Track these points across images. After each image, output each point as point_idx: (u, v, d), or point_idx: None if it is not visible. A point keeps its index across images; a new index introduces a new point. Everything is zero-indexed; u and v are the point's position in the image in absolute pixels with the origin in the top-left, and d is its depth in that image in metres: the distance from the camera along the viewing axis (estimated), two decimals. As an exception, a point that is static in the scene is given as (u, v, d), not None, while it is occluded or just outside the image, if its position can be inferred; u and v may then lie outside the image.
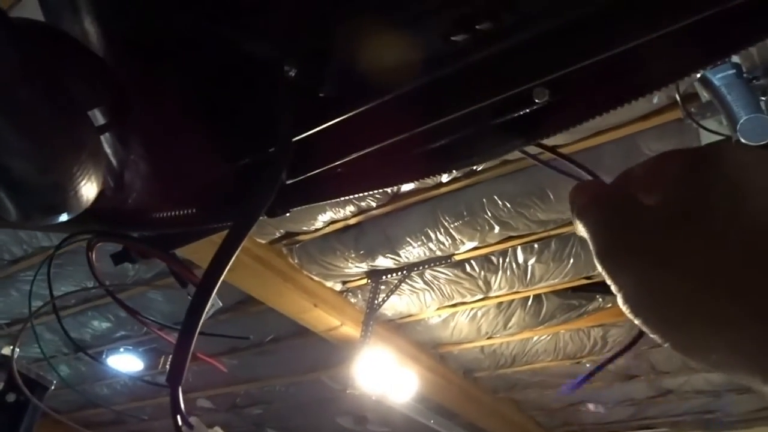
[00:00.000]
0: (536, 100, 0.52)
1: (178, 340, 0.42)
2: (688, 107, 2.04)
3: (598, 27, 0.51)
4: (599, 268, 0.32)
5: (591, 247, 0.33)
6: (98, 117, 0.62)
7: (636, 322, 0.31)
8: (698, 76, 1.76)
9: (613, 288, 0.32)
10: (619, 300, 0.31)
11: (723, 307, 0.27)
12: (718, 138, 2.11)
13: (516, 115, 0.53)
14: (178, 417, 0.41)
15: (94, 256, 0.77)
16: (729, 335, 0.27)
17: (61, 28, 0.65)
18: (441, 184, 2.85)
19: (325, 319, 3.64)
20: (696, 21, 0.46)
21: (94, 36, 0.67)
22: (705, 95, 1.86)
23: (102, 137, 0.59)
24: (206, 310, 0.45)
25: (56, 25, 0.69)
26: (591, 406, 4.86)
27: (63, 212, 0.43)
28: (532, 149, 0.67)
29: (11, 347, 2.16)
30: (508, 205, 2.84)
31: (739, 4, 0.41)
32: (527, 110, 0.53)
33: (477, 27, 0.41)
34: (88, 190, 0.43)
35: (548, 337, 4.15)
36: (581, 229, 0.35)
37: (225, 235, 0.43)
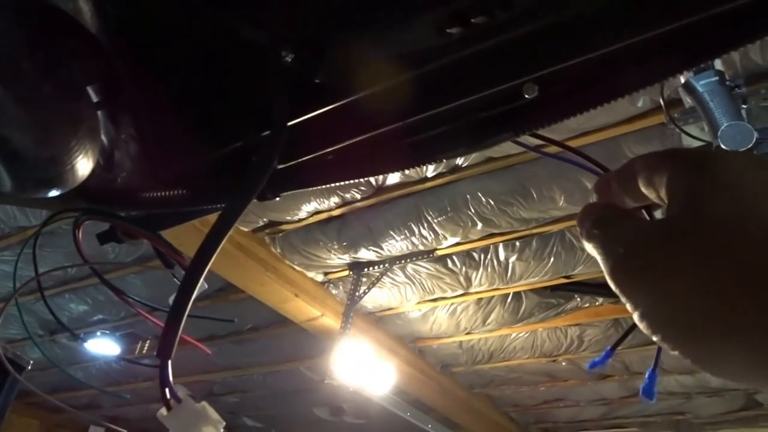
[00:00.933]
0: (526, 96, 0.53)
1: (169, 315, 0.42)
2: (671, 112, 2.07)
3: (589, 26, 0.52)
4: (612, 287, 0.32)
5: (602, 268, 0.33)
6: (92, 95, 0.62)
7: (654, 339, 0.31)
8: (683, 81, 1.79)
9: (629, 307, 0.31)
10: (636, 318, 0.31)
11: (737, 319, 0.27)
12: (699, 143, 2.15)
13: (504, 109, 0.55)
14: (167, 390, 0.42)
15: (80, 235, 0.77)
16: (745, 346, 0.27)
17: (56, 4, 0.65)
18: (426, 179, 2.87)
19: (306, 310, 3.64)
20: (684, 24, 0.47)
21: (87, 14, 0.67)
22: (688, 101, 1.89)
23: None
24: (197, 287, 0.46)
25: (51, 0, 0.69)
26: None
27: (57, 186, 0.44)
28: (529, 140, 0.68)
29: (-12, 326, 2.13)
30: (492, 202, 2.86)
31: (728, 10, 0.42)
32: (516, 104, 0.55)
33: (472, 21, 0.42)
34: (84, 165, 0.43)
35: (526, 335, 4.20)
36: (592, 251, 0.35)
37: (218, 215, 0.44)
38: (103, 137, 0.70)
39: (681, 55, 0.51)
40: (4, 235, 3.52)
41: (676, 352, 0.30)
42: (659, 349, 0.45)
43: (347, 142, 0.58)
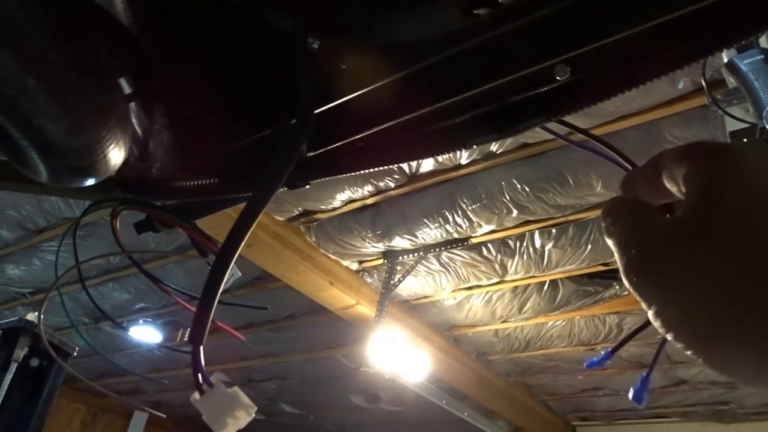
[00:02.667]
0: (557, 78, 0.52)
1: (200, 301, 0.43)
2: (713, 94, 2.01)
3: (622, 4, 0.51)
4: (626, 284, 0.32)
5: (618, 264, 0.33)
6: (124, 86, 0.63)
7: (668, 338, 0.30)
8: (725, 60, 1.72)
9: (643, 305, 0.31)
10: (650, 316, 0.31)
11: (751, 322, 0.26)
12: (743, 126, 2.07)
13: (537, 92, 0.53)
14: (199, 375, 0.43)
15: (118, 224, 0.78)
16: (758, 353, 0.26)
17: (89, -3, 0.66)
18: (459, 166, 2.85)
19: (341, 298, 3.67)
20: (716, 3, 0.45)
21: (120, 5, 0.69)
22: (731, 81, 1.82)
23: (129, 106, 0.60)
24: (227, 275, 0.47)
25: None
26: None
27: (91, 175, 0.45)
28: (561, 129, 0.67)
29: (36, 313, 2.22)
30: (527, 189, 2.82)
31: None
32: (548, 87, 0.53)
33: (499, 1, 0.41)
34: (116, 154, 0.44)
35: (563, 323, 4.15)
36: (611, 247, 0.34)
37: (245, 204, 0.44)
38: (137, 128, 0.71)
39: (721, 33, 0.49)
40: (50, 227, 3.63)
41: (688, 353, 0.29)
42: (656, 355, 0.44)
43: (376, 129, 0.58)
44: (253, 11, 0.55)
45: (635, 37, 0.50)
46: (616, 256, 0.33)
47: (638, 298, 0.31)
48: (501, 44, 0.51)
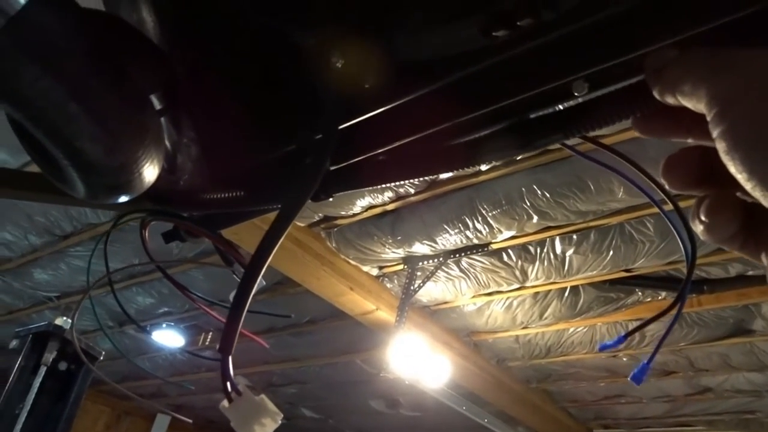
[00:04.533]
0: (575, 94, 0.53)
1: (230, 313, 0.45)
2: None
3: (641, 21, 0.51)
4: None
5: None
6: (155, 102, 0.66)
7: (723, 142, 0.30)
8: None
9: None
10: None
11: None
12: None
13: (555, 109, 0.54)
14: (228, 384, 0.44)
15: (147, 234, 0.81)
16: None
17: (121, 17, 0.69)
18: (479, 172, 2.85)
19: (361, 303, 3.69)
20: (743, 17, 0.46)
21: (151, 24, 0.71)
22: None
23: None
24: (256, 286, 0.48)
25: (115, 12, 0.73)
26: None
27: (127, 192, 0.47)
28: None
29: (64, 318, 2.28)
30: (547, 195, 2.82)
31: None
32: (566, 104, 0.54)
33: (518, 23, 0.43)
34: (150, 172, 0.46)
35: (584, 329, 4.12)
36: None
37: (275, 217, 0.46)
38: (167, 141, 0.73)
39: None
40: (76, 232, 3.71)
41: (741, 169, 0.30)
42: (659, 342, 0.45)
43: (397, 143, 0.59)
44: (281, 31, 0.57)
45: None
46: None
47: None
48: (519, 61, 0.52)
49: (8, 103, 0.35)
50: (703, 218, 0.35)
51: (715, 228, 0.35)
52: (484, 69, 0.53)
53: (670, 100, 0.37)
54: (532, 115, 0.55)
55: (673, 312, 0.51)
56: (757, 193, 0.30)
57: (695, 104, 0.34)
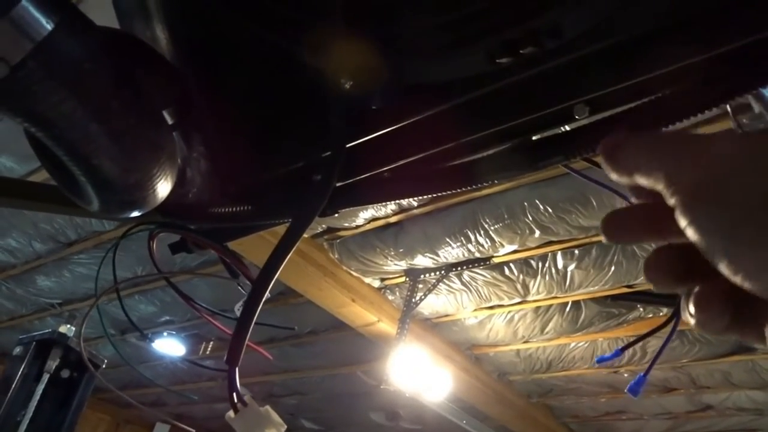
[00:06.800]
0: (576, 117, 0.55)
1: (237, 326, 0.46)
2: (739, 118, 2.00)
3: (641, 48, 0.53)
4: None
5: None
6: (167, 117, 0.68)
7: (691, 232, 0.29)
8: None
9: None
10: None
11: None
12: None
13: (557, 132, 0.56)
14: (234, 395, 0.46)
15: (155, 245, 0.83)
16: None
17: (136, 36, 0.71)
18: (482, 186, 2.87)
19: (363, 315, 3.69)
20: (743, 45, 0.48)
21: (164, 41, 0.73)
22: (756, 107, 1.82)
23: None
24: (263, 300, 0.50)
25: (129, 29, 0.75)
26: None
27: (140, 208, 0.48)
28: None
29: (68, 325, 2.29)
30: (550, 210, 2.83)
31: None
32: (568, 127, 0.56)
33: (521, 51, 0.44)
34: (164, 188, 0.48)
35: (586, 344, 4.11)
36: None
37: (283, 234, 0.47)
38: (178, 156, 0.75)
39: (746, 75, 0.51)
40: (81, 240, 3.72)
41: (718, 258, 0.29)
42: (656, 355, 0.46)
43: (402, 162, 0.61)
44: (291, 52, 0.59)
45: (656, 78, 0.53)
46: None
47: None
48: (523, 85, 0.54)
49: (32, 123, 0.37)
50: (692, 313, 0.33)
51: (706, 323, 0.33)
52: (488, 92, 0.54)
53: (625, 180, 0.36)
54: (535, 137, 0.57)
55: (668, 329, 0.52)
56: (747, 285, 0.28)
57: (652, 184, 0.33)
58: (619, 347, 0.57)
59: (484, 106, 0.56)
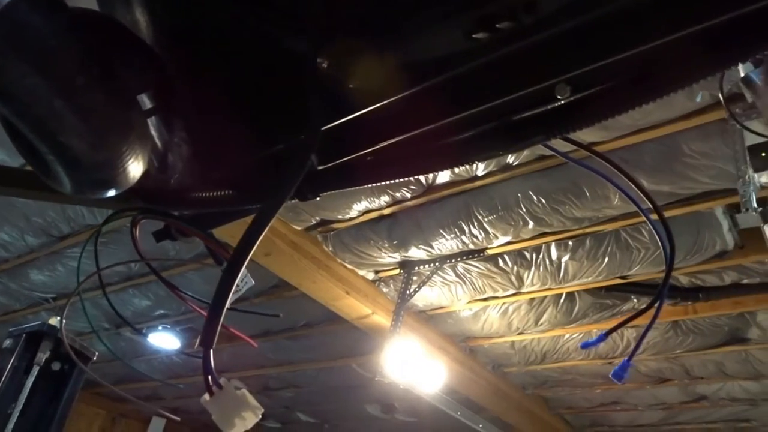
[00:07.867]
0: (558, 97, 0.54)
1: (210, 307, 0.45)
2: (732, 107, 2.00)
3: (620, 25, 0.52)
4: None
5: None
6: (146, 101, 0.67)
7: None
8: (742, 75, 1.72)
9: None
10: None
11: None
12: (762, 140, 2.06)
13: (538, 111, 0.55)
14: (209, 377, 0.45)
15: (137, 232, 0.82)
16: None
17: (113, 17, 0.69)
18: (476, 178, 2.86)
19: (357, 307, 3.69)
20: (714, 24, 0.47)
21: (144, 25, 0.72)
22: (749, 96, 1.82)
23: (149, 121, 0.64)
24: (237, 283, 0.49)
25: (109, 13, 0.73)
26: None
27: (112, 187, 0.48)
28: (564, 146, 0.69)
29: (58, 318, 2.27)
30: (543, 201, 2.82)
31: (753, 12, 0.42)
32: (549, 106, 0.55)
33: (497, 26, 0.44)
34: (135, 168, 0.47)
35: (580, 336, 4.12)
36: None
37: (255, 215, 0.47)
38: (158, 141, 0.74)
39: (717, 54, 0.51)
40: (73, 233, 3.71)
41: None
42: (640, 338, 0.45)
43: (383, 144, 0.60)
44: (269, 34, 0.58)
45: (637, 56, 0.52)
46: None
47: None
48: (502, 64, 0.53)
49: (-5, 97, 0.36)
50: None
51: None
52: (468, 71, 0.54)
53: None
54: (516, 117, 0.56)
55: (651, 314, 0.52)
56: None
57: None
58: (604, 332, 0.56)
59: (464, 86, 0.56)
